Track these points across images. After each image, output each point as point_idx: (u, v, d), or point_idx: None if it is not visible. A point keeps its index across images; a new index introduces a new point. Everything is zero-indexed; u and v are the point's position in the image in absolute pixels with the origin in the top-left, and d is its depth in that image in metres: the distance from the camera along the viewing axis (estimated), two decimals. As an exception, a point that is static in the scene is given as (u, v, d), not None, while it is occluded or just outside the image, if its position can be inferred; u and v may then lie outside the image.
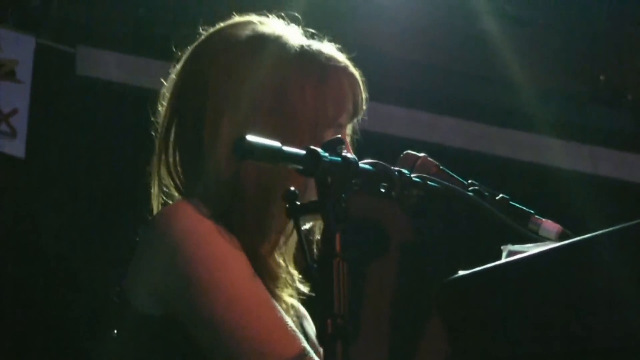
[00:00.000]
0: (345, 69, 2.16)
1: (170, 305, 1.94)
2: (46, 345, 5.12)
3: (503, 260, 1.87)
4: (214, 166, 2.06)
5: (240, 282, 1.89)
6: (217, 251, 1.92)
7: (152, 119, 2.31)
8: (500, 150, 6.09)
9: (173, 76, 2.23)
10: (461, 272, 1.64)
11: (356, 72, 2.18)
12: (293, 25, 2.22)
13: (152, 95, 5.65)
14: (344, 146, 1.70)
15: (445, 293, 1.64)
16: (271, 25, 2.21)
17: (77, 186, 5.27)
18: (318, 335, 1.59)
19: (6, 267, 5.07)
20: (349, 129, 2.20)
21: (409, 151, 2.17)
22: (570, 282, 1.56)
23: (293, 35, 2.19)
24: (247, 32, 2.20)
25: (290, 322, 1.90)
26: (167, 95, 2.23)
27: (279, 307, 1.92)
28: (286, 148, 1.62)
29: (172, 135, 2.20)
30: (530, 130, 6.13)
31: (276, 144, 1.62)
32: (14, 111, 5.06)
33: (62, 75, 5.31)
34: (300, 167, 1.65)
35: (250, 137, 1.58)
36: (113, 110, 5.41)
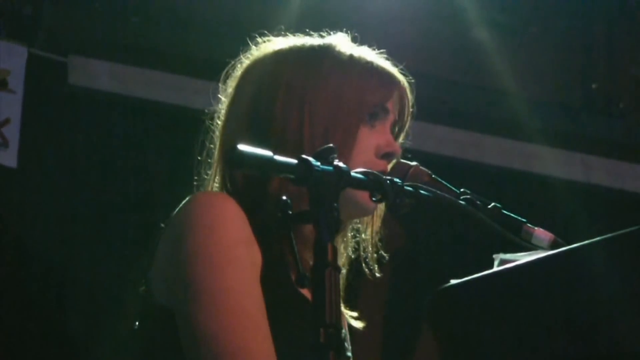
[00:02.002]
0: (386, 66, 2.22)
1: (170, 297, 1.93)
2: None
3: (495, 269, 1.87)
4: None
5: (234, 292, 1.87)
6: (222, 253, 1.89)
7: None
8: (492, 158, 6.10)
9: (229, 91, 2.21)
10: (453, 281, 1.64)
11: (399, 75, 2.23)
12: (337, 37, 2.24)
13: (144, 105, 5.67)
14: (336, 155, 1.69)
15: (436, 301, 1.64)
16: (313, 39, 2.23)
17: (69, 196, 5.26)
18: (311, 346, 1.59)
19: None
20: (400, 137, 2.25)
21: (401, 160, 2.17)
22: (563, 291, 1.56)
23: (341, 44, 2.22)
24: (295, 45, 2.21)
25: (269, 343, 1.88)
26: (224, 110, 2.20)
27: (265, 325, 1.89)
28: (278, 157, 1.61)
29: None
30: (522, 139, 6.13)
31: (268, 153, 1.61)
32: (6, 121, 5.05)
33: (54, 85, 5.31)
34: (292, 177, 1.64)
35: (242, 147, 1.57)
36: (105, 119, 5.41)
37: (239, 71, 2.23)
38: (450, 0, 5.85)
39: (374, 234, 2.28)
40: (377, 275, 2.27)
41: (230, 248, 1.90)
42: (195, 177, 2.24)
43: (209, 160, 2.21)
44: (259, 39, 2.26)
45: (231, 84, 2.23)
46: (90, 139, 5.36)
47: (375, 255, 2.28)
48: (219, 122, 2.22)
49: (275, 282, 1.94)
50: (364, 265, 2.27)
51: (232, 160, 1.56)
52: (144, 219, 5.17)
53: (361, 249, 2.27)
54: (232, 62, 2.25)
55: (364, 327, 2.28)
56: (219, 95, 2.24)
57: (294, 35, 2.26)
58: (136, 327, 2.06)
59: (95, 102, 5.39)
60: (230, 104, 2.20)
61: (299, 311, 1.98)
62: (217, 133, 2.21)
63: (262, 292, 1.91)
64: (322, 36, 2.25)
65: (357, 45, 2.24)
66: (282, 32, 2.28)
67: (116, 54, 5.40)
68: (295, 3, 5.27)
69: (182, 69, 5.40)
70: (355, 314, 2.28)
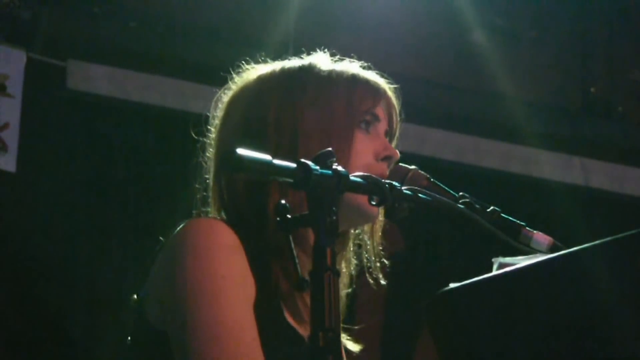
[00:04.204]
0: (370, 75, 2.22)
1: (165, 322, 1.92)
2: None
3: (494, 272, 1.87)
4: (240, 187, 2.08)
5: (229, 323, 1.85)
6: (217, 284, 1.88)
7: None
8: (491, 162, 6.10)
9: (216, 122, 2.22)
10: (452, 285, 1.64)
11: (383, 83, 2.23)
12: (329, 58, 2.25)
13: (143, 109, 5.66)
14: (334, 159, 1.69)
15: (435, 305, 1.64)
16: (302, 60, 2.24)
17: (68, 200, 5.26)
18: (309, 349, 1.58)
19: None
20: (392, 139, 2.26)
21: (400, 164, 2.17)
22: (561, 295, 1.56)
23: (321, 61, 2.23)
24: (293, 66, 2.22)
25: None
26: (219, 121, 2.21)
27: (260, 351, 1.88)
28: (276, 161, 1.61)
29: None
30: (521, 143, 6.14)
31: (266, 157, 1.60)
32: (5, 125, 5.05)
33: (52, 89, 5.31)
34: (291, 181, 1.64)
35: (240, 151, 1.56)
36: (104, 124, 5.41)
37: (225, 100, 2.24)
38: (449, 4, 5.86)
39: (375, 244, 2.28)
40: (383, 283, 2.26)
41: (225, 279, 1.89)
42: (188, 182, 2.25)
43: (205, 194, 2.22)
44: (243, 67, 2.27)
45: (219, 114, 2.24)
46: (89, 143, 5.36)
47: (378, 264, 2.28)
48: (211, 150, 2.22)
49: (265, 312, 1.94)
50: (367, 275, 2.26)
51: (232, 164, 1.55)
52: (142, 223, 5.17)
53: (364, 259, 2.27)
54: (219, 92, 2.26)
55: (362, 329, 2.28)
56: (208, 127, 2.25)
57: (286, 46, 2.28)
58: (128, 342, 2.06)
59: (94, 106, 5.39)
60: (220, 132, 2.21)
61: (287, 342, 1.97)
62: (210, 163, 2.22)
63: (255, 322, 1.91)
64: (301, 58, 2.25)
65: (338, 60, 2.24)
66: (263, 59, 2.29)
67: (115, 58, 5.40)
68: (294, 9, 5.26)
69: (181, 73, 5.41)
70: (351, 339, 2.28)
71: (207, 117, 2.27)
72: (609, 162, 6.33)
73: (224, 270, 1.90)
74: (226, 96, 2.25)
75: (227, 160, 1.56)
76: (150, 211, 5.15)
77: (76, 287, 5.17)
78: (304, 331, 2.02)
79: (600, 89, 6.35)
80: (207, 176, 2.22)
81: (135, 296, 2.05)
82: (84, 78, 5.31)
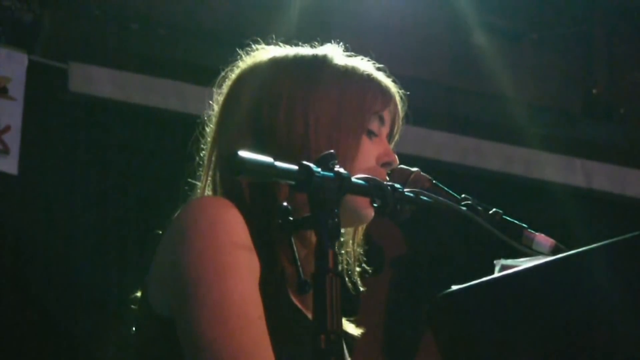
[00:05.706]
0: (382, 77, 2.21)
1: (170, 303, 1.90)
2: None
3: (496, 274, 1.87)
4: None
5: (235, 300, 1.84)
6: (223, 259, 1.86)
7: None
8: (493, 164, 6.10)
9: (221, 98, 2.20)
10: (454, 287, 1.64)
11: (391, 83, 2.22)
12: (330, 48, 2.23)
13: (144, 111, 5.67)
14: (336, 161, 1.69)
15: (438, 307, 1.64)
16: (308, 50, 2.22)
17: (69, 202, 5.27)
18: (312, 352, 1.58)
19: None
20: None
21: (402, 166, 2.17)
22: (563, 297, 1.56)
23: (335, 54, 2.21)
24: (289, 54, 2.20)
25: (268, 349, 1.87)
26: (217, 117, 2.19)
27: (265, 334, 1.86)
28: (278, 164, 1.61)
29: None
30: (523, 145, 6.14)
31: (268, 159, 1.60)
32: (7, 128, 5.05)
33: (54, 92, 5.31)
34: (293, 183, 1.64)
35: (243, 153, 1.56)
36: (106, 126, 5.42)
37: (231, 78, 2.22)
38: (450, 7, 5.86)
39: (355, 247, 2.27)
40: (362, 289, 2.25)
41: (230, 254, 1.88)
42: (188, 182, 2.23)
43: (200, 170, 2.20)
44: (253, 47, 2.25)
45: (224, 91, 2.22)
46: (91, 146, 5.37)
47: (358, 268, 2.27)
48: (211, 127, 2.20)
49: (270, 292, 1.92)
50: (346, 279, 2.25)
51: (233, 167, 1.56)
52: (143, 225, 5.18)
53: (344, 262, 2.26)
54: (224, 71, 2.24)
55: (364, 333, 2.28)
56: (210, 102, 2.23)
57: (290, 45, 2.26)
58: (133, 332, 2.05)
59: (96, 108, 5.40)
60: (224, 111, 2.18)
61: (292, 322, 1.97)
62: (209, 139, 2.19)
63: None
64: (313, 46, 2.24)
65: (349, 55, 2.23)
66: (275, 42, 2.27)
67: (116, 60, 5.40)
68: (294, 11, 5.27)
69: (182, 75, 5.41)
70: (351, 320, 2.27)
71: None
72: (611, 163, 6.33)
73: (229, 244, 1.88)
74: (234, 73, 2.22)
75: (228, 163, 1.56)
76: (151, 213, 5.15)
77: (77, 289, 5.17)
78: (308, 313, 2.01)
79: (602, 90, 6.35)
80: (203, 153, 2.20)
81: (140, 284, 2.04)
82: (85, 80, 5.31)
